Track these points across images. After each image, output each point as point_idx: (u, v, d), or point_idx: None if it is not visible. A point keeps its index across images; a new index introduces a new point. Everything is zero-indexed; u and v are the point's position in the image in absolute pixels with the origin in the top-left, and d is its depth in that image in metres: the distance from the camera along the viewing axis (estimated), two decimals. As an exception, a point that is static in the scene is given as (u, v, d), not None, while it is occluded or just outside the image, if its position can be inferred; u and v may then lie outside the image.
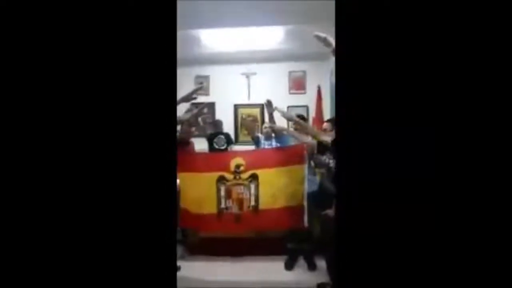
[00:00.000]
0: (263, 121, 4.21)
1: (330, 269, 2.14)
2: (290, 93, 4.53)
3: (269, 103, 2.64)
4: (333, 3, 0.89)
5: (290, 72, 4.55)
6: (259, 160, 2.61)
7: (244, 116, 4.60)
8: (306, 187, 2.50)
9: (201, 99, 2.87)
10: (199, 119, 3.95)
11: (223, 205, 2.57)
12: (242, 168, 2.57)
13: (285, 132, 2.68)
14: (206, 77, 4.55)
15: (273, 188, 2.54)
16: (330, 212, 1.93)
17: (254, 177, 2.56)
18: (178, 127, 2.57)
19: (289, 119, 2.49)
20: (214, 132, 3.91)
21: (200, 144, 3.42)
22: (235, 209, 2.57)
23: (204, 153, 3.34)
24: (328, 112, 4.09)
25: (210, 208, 2.56)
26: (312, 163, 2.51)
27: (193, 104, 2.17)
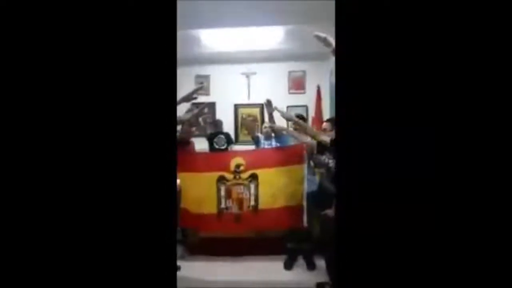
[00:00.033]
0: (263, 121, 4.21)
1: (329, 268, 2.15)
2: (290, 93, 4.53)
3: (269, 103, 2.64)
4: (333, 3, 0.89)
5: (289, 72, 4.54)
6: (259, 160, 2.62)
7: (244, 116, 4.60)
8: (306, 187, 2.51)
9: (201, 99, 2.88)
10: (200, 119, 3.95)
11: (223, 205, 2.58)
12: (242, 168, 2.58)
13: (284, 132, 2.68)
14: (206, 77, 4.55)
15: (273, 188, 2.55)
16: (330, 212, 1.93)
17: (254, 177, 2.57)
18: (179, 127, 2.57)
19: (288, 119, 2.49)
20: (214, 132, 3.91)
21: (200, 144, 3.42)
22: (235, 209, 2.57)
23: (204, 153, 3.33)
24: (327, 112, 4.10)
25: (210, 208, 2.57)
26: (312, 163, 2.51)
27: (193, 104, 2.17)
